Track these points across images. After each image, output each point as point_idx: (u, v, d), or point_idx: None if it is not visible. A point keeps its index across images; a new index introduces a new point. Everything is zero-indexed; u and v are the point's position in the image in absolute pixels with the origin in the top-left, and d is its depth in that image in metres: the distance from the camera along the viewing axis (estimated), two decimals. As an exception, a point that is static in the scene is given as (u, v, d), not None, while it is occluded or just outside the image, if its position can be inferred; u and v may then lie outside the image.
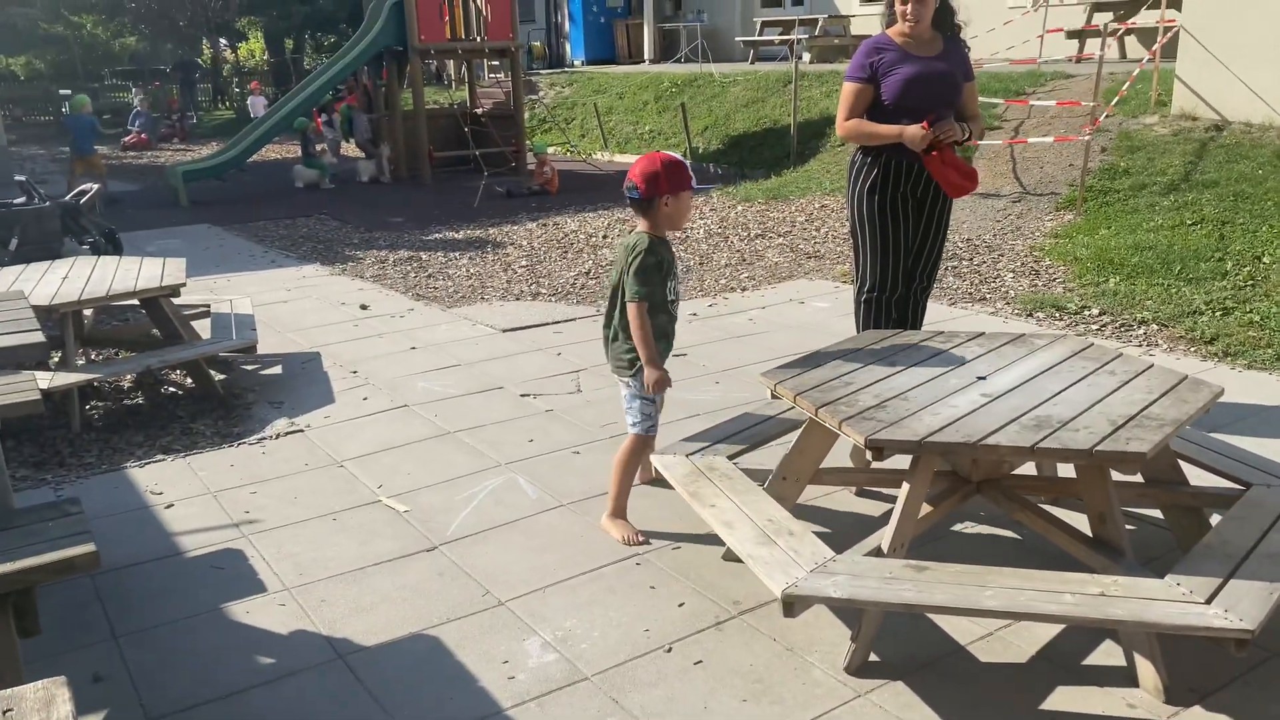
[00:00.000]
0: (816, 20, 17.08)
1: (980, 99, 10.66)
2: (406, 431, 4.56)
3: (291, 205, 11.72)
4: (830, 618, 2.95)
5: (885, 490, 3.68)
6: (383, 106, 14.32)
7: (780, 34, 17.52)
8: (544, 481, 3.99)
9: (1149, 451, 2.45)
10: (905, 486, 2.79)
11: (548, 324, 6.28)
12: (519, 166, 13.72)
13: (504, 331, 6.15)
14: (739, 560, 2.86)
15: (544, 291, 7.19)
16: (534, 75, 19.22)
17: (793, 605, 2.50)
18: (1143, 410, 2.69)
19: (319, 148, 13.68)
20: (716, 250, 8.23)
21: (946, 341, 3.40)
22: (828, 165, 10.97)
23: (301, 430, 4.62)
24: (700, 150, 13.39)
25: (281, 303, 7.07)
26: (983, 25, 13.22)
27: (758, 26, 18.46)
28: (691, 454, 3.39)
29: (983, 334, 3.49)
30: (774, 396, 3.18)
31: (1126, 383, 2.92)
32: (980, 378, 3.01)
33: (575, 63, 21.38)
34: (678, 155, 3.39)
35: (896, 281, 4.34)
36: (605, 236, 9.01)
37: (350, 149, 16.36)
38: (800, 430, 3.27)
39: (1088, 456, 2.48)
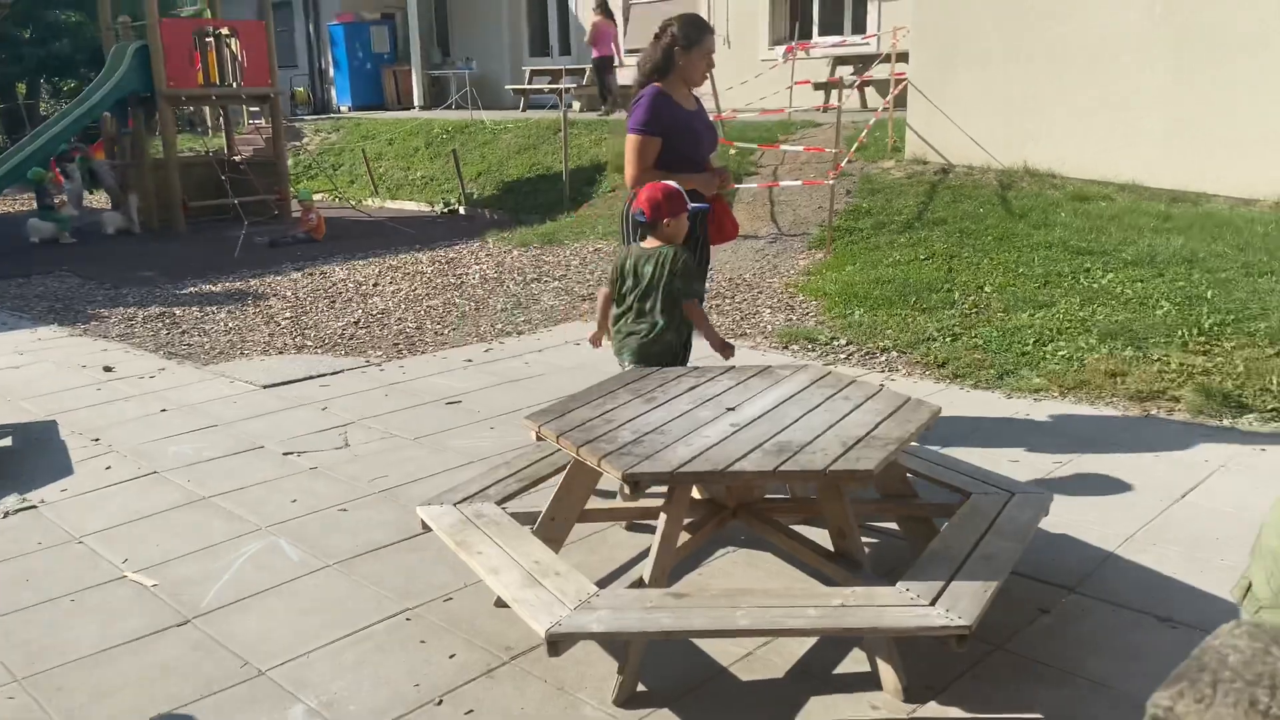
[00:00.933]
0: (584, 70, 17.53)
1: (738, 144, 11.24)
2: (156, 500, 4.27)
3: (26, 262, 10.76)
4: (601, 653, 3.00)
5: (653, 522, 3.78)
6: (127, 155, 13.46)
7: (549, 83, 17.86)
8: (308, 542, 3.84)
9: (875, 468, 2.66)
10: (663, 516, 2.89)
11: (313, 377, 6.07)
12: (282, 214, 13.24)
13: (265, 387, 5.89)
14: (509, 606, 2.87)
15: (310, 343, 6.95)
16: (298, 121, 18.64)
17: (557, 644, 2.53)
18: (870, 431, 2.92)
19: (58, 199, 12.63)
20: (492, 295, 8.25)
21: (700, 376, 3.56)
22: (600, 211, 11.23)
23: (35, 506, 4.24)
24: (475, 196, 13.40)
25: (12, 369, 6.48)
26: (737, 77, 14.03)
27: (527, 75, 18.74)
28: (459, 503, 3.37)
29: (733, 367, 3.68)
30: (539, 439, 3.22)
31: (858, 406, 3.17)
32: (730, 409, 3.17)
33: (342, 109, 20.90)
34: (674, 184, 3.93)
35: None
36: (376, 285, 8.83)
37: (97, 199, 15.24)
38: (565, 470, 3.33)
39: (822, 476, 2.67)
